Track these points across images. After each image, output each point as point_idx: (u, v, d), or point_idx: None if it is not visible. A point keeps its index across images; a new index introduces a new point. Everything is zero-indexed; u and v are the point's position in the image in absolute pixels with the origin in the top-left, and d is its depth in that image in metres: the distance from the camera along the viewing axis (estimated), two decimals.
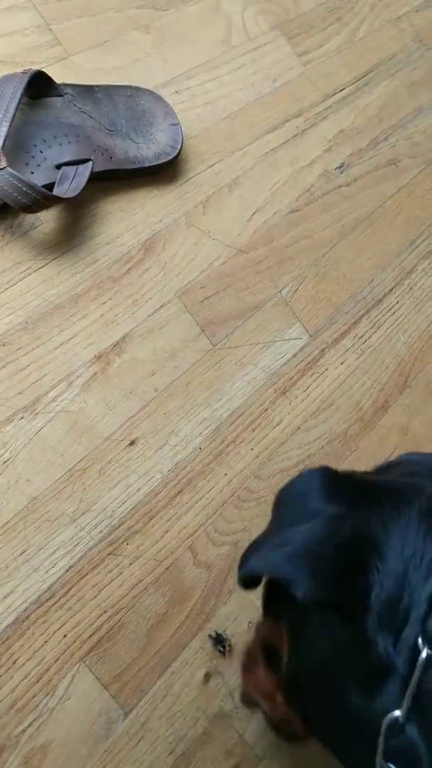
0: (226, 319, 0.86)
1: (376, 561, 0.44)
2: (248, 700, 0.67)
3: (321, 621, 0.47)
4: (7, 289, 0.73)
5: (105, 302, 0.78)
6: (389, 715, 0.42)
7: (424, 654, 0.41)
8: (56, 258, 0.76)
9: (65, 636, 0.68)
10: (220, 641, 0.75)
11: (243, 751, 0.74)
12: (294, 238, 0.94)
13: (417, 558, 0.44)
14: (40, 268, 0.75)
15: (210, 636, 0.75)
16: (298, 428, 0.88)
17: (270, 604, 0.56)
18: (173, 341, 0.82)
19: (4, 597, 0.66)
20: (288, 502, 0.52)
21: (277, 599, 0.54)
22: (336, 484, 0.49)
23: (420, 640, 0.42)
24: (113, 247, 0.80)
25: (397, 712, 0.42)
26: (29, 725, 0.65)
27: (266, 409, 0.86)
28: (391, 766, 0.43)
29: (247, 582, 0.51)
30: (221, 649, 0.75)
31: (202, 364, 0.83)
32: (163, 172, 0.86)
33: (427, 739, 0.42)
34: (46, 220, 0.77)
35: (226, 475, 0.81)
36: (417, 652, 0.42)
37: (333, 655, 0.46)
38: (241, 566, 0.51)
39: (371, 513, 0.46)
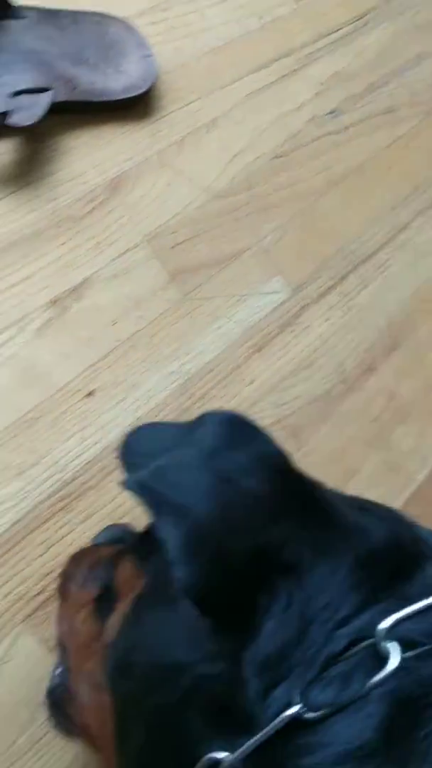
0: (200, 267, 0.80)
1: (292, 591, 0.35)
2: (59, 642, 0.56)
3: (187, 609, 0.36)
4: None
5: (64, 243, 0.73)
6: (211, 757, 0.33)
7: (289, 712, 0.31)
8: (12, 192, 0.71)
9: (7, 595, 0.64)
10: None
11: None
12: (278, 185, 0.88)
13: (330, 611, 0.34)
14: None
15: None
16: (274, 387, 0.82)
17: (144, 553, 0.44)
18: (139, 289, 0.76)
19: None
20: (130, 448, 0.41)
21: (154, 547, 0.41)
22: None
23: (298, 695, 0.32)
24: (76, 184, 0.75)
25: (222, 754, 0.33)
26: None
27: (239, 366, 0.81)
28: None
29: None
30: None
31: (171, 314, 0.77)
32: (135, 109, 0.80)
33: None
34: (3, 152, 0.72)
35: None
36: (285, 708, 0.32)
37: (185, 655, 0.37)
38: (124, 456, 0.41)
39: (310, 535, 0.36)
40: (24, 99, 0.70)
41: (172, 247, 0.79)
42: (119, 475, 0.67)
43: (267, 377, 0.82)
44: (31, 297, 0.70)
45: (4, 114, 0.69)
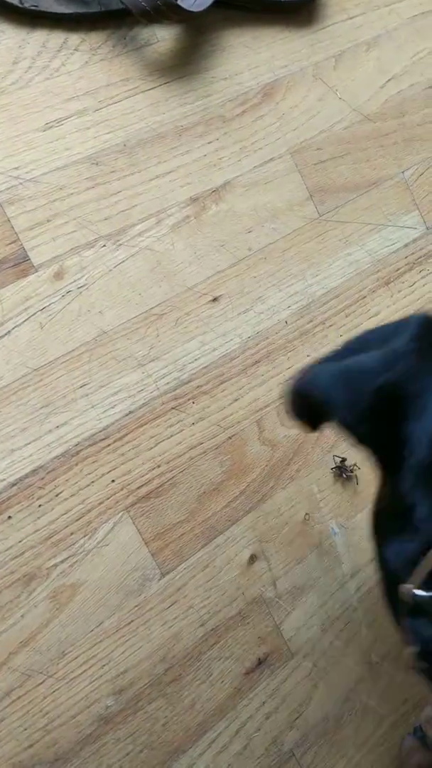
0: (339, 189, 0.77)
1: (414, 414, 0.40)
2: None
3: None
4: (110, 105, 0.66)
5: (211, 142, 0.71)
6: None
7: None
8: (167, 83, 0.69)
9: (113, 481, 0.64)
10: (343, 469, 0.74)
11: (276, 642, 0.70)
12: (429, 116, 0.83)
13: None
14: (149, 89, 0.68)
15: (335, 459, 0.74)
16: None
17: None
18: (277, 201, 0.74)
19: (57, 427, 0.62)
20: (374, 332, 0.46)
21: None
22: (428, 330, 0.42)
23: None
24: (230, 84, 0.72)
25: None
26: (63, 561, 0.62)
27: (364, 297, 0.78)
28: None
29: (294, 402, 0.47)
30: (347, 474, 0.74)
31: (305, 232, 0.75)
32: (298, 14, 0.77)
33: None
34: (163, 39, 0.70)
35: (308, 356, 0.74)
36: None
37: (388, 504, 0.44)
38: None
39: (429, 365, 0.41)
40: None
41: (315, 164, 0.76)
42: (232, 385, 0.67)
43: (390, 312, 0.79)
44: (172, 192, 0.69)
45: None
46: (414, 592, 0.39)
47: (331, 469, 0.73)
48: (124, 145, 0.67)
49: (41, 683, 0.60)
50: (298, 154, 0.75)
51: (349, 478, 0.74)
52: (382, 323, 0.76)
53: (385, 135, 0.81)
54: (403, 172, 0.81)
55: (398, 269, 0.80)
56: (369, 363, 0.42)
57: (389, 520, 0.43)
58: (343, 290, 0.77)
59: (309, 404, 0.44)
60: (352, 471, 0.74)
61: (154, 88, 0.69)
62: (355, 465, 0.74)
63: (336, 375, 0.42)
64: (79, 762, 0.61)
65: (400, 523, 0.41)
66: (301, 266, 0.75)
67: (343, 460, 0.73)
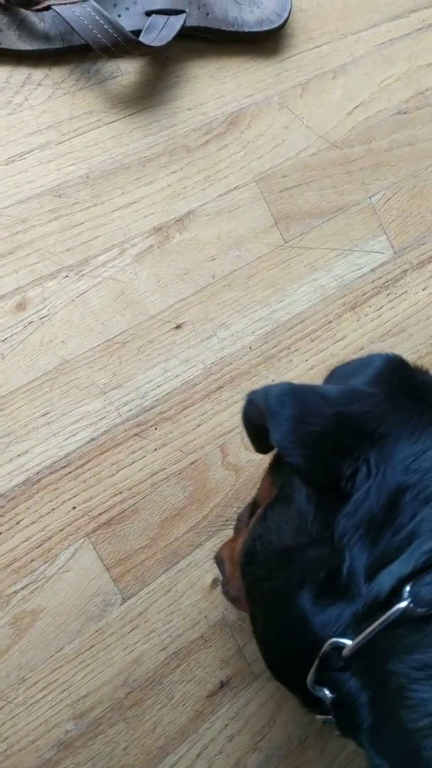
0: (305, 216, 0.79)
1: (370, 458, 0.38)
2: (217, 560, 0.63)
3: (299, 499, 0.41)
4: (74, 138, 0.68)
5: (175, 172, 0.72)
6: (335, 641, 0.37)
7: (402, 605, 0.34)
8: (131, 114, 0.70)
9: (74, 508, 0.65)
10: None
11: (239, 664, 0.71)
12: (396, 142, 0.84)
13: (424, 482, 0.37)
14: (112, 122, 0.70)
15: None
16: (362, 348, 0.81)
17: (276, 469, 0.49)
18: (241, 228, 0.75)
19: (18, 455, 0.64)
20: (335, 374, 0.46)
21: (281, 462, 0.48)
22: (392, 372, 0.43)
23: (408, 589, 0.35)
24: (194, 114, 0.74)
25: (346, 642, 0.37)
26: (23, 587, 0.63)
27: (330, 322, 0.79)
28: (326, 691, 0.38)
29: (247, 420, 0.45)
30: None
31: (270, 259, 0.76)
32: (263, 44, 0.78)
33: (371, 701, 0.36)
34: (127, 72, 0.71)
35: (273, 380, 0.75)
36: (392, 598, 0.35)
37: (294, 541, 0.41)
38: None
39: (398, 411, 0.39)
40: (157, 19, 0.69)
41: (281, 191, 0.77)
42: (195, 410, 0.68)
43: (356, 337, 0.80)
44: (135, 222, 0.70)
45: (137, 32, 0.68)
46: (343, 643, 0.37)
47: None
48: (87, 177, 0.68)
49: (0, 708, 0.61)
50: (264, 181, 0.76)
51: None
52: (348, 347, 0.77)
53: (352, 161, 0.82)
54: (370, 198, 0.82)
55: (365, 293, 0.81)
56: (329, 392, 0.41)
57: (299, 561, 0.40)
58: (309, 315, 0.78)
59: (259, 418, 0.42)
60: None
61: (118, 120, 0.70)
62: None
63: (289, 392, 0.40)
64: None
65: (323, 573, 0.38)
66: (265, 292, 0.76)
67: None
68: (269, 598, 0.43)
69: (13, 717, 0.61)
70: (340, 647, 0.37)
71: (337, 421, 0.38)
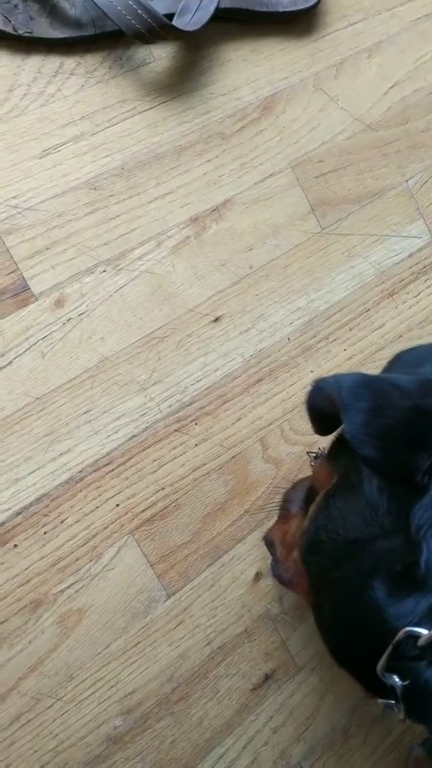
0: (341, 201, 0.77)
1: None
2: (267, 542, 0.63)
3: (369, 490, 0.40)
4: (107, 128, 0.66)
5: (210, 160, 0.70)
6: (410, 630, 0.37)
7: None
8: (164, 102, 0.69)
9: (117, 505, 0.65)
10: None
11: (283, 657, 0.71)
12: None
13: None
14: (146, 110, 0.68)
15: (310, 455, 0.70)
16: (401, 336, 0.79)
17: (335, 456, 0.49)
18: (278, 217, 0.73)
19: (60, 454, 0.63)
20: (401, 361, 0.45)
21: (342, 449, 0.47)
22: None
23: None
24: (229, 99, 0.72)
25: (422, 631, 0.37)
26: (69, 586, 0.63)
27: (369, 309, 0.78)
28: (395, 678, 0.38)
29: (312, 407, 0.45)
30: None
31: (307, 247, 0.75)
32: (297, 23, 0.75)
33: None
34: (159, 57, 0.69)
35: (312, 372, 0.74)
36: None
37: (363, 532, 0.40)
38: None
39: None
40: (190, 2, 0.67)
41: (316, 177, 0.75)
42: (234, 405, 0.67)
43: (395, 324, 0.79)
44: (171, 213, 0.69)
45: (170, 16, 0.65)
46: (419, 633, 0.37)
47: (310, 464, 0.72)
48: (122, 168, 0.67)
49: (50, 706, 0.61)
50: (299, 167, 0.75)
51: None
52: (387, 335, 0.76)
53: (388, 143, 0.80)
54: (406, 181, 0.80)
55: (402, 280, 0.80)
56: (403, 383, 0.41)
57: (370, 554, 0.40)
58: (347, 304, 0.77)
59: (326, 405, 0.42)
60: None
61: (152, 108, 0.68)
62: None
63: (363, 383, 0.40)
64: None
65: (397, 566, 0.38)
66: (303, 281, 0.74)
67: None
68: (337, 588, 0.43)
69: (63, 714, 0.62)
70: (416, 636, 0.37)
71: (416, 414, 0.38)
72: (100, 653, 0.64)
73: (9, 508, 0.61)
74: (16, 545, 0.61)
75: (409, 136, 0.81)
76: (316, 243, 0.75)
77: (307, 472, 0.72)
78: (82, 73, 0.65)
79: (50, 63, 0.64)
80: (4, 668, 0.60)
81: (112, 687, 0.64)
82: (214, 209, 0.70)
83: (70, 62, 0.65)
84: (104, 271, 0.65)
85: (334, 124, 0.77)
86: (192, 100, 0.70)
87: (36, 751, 0.61)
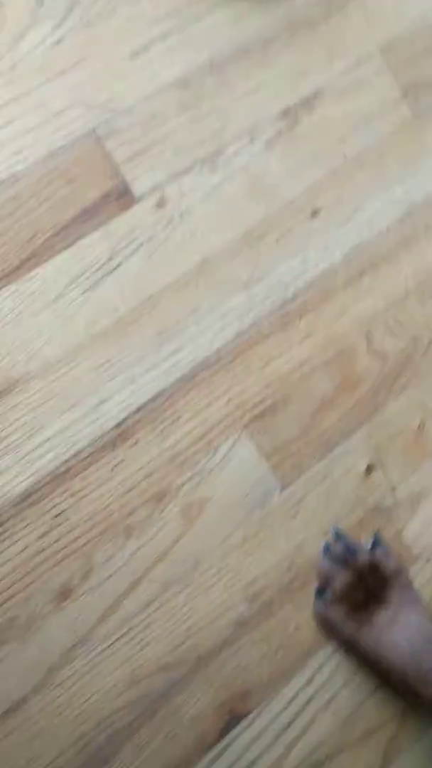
0: None
1: None
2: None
3: None
4: (194, 23, 0.65)
5: (298, 50, 0.69)
6: None
7: None
8: None
9: (229, 401, 0.66)
10: None
11: (397, 548, 0.71)
12: None
13: None
14: (231, 2, 0.66)
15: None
16: None
17: None
18: (369, 104, 0.71)
19: (171, 354, 0.65)
20: None
21: None
22: None
23: None
24: None
25: None
26: (189, 479, 0.65)
27: None
28: None
29: None
30: None
31: (401, 133, 0.73)
32: None
33: None
34: None
35: (413, 264, 0.73)
36: None
37: None
38: None
39: None
40: None
41: (407, 59, 0.73)
42: (337, 299, 0.66)
43: None
44: (263, 106, 0.68)
45: None
46: None
47: None
48: (211, 64, 0.66)
49: (180, 592, 0.64)
50: (389, 51, 0.72)
51: None
52: None
53: None
54: None
55: None
56: None
57: None
58: None
59: None
60: None
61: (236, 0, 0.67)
62: None
63: None
64: (219, 662, 0.65)
65: None
66: (398, 170, 0.73)
67: None
68: None
69: (193, 599, 0.65)
70: None
71: None
72: (222, 543, 0.66)
73: (129, 405, 0.63)
74: (137, 441, 0.63)
75: None
76: (411, 128, 0.73)
77: (413, 365, 0.71)
78: None
79: None
80: (134, 557, 0.63)
81: (235, 575, 0.66)
82: (305, 100, 0.69)
83: None
84: (201, 169, 0.66)
85: (425, 3, 0.73)
86: None
87: (170, 634, 0.64)
